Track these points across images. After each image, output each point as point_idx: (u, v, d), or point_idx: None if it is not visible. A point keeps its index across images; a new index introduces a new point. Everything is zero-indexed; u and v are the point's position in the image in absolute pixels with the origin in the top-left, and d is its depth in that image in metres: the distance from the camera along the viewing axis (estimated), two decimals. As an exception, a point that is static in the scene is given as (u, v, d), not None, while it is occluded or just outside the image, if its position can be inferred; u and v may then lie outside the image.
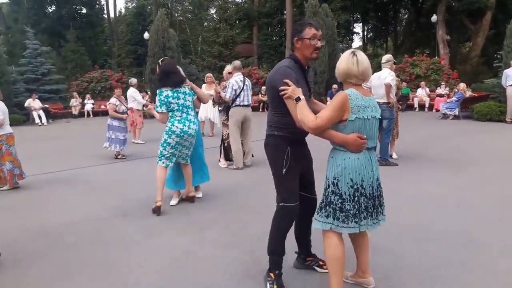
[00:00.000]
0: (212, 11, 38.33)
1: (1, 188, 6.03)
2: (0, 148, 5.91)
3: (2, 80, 17.29)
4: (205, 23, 36.31)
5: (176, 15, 40.81)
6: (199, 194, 5.27)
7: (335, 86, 16.88)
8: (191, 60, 27.81)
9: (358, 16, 34.50)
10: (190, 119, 4.65)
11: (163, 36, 18.30)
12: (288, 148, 2.73)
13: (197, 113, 5.30)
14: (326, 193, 2.57)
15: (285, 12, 28.60)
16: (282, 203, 2.79)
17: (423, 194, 5.11)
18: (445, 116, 13.80)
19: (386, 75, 6.71)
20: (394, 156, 7.27)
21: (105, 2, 38.14)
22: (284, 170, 2.73)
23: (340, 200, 2.50)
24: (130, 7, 44.88)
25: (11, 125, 6.25)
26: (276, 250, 2.87)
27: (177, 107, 4.59)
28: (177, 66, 4.87)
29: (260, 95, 20.98)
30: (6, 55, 21.45)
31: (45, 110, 18.10)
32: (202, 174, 5.21)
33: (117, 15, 43.23)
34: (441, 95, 16.51)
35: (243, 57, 28.53)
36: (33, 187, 6.26)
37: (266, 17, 31.40)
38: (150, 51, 18.59)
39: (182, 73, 4.80)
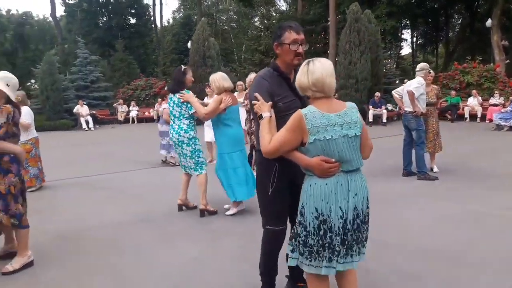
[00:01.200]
0: (256, 20, 38.65)
1: (29, 189, 6.17)
2: (30, 150, 6.12)
3: (53, 87, 18.21)
4: (249, 32, 36.61)
5: (220, 24, 41.58)
6: (231, 211, 4.86)
7: (377, 94, 16.26)
8: (232, 68, 28.06)
9: (407, 22, 33.32)
10: (175, 128, 4.70)
11: (203, 45, 18.54)
12: (276, 167, 2.44)
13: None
14: (296, 224, 2.25)
15: (328, 19, 28.20)
16: (267, 226, 2.57)
17: (461, 213, 4.65)
18: (498, 127, 12.84)
19: (413, 83, 6.33)
20: (435, 169, 6.77)
21: (152, 13, 39.50)
22: (269, 190, 2.47)
23: (304, 233, 2.15)
24: (177, 17, 46.30)
25: (60, 129, 6.57)
26: (266, 271, 2.68)
27: (171, 114, 4.77)
28: (185, 74, 4.72)
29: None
30: (60, 64, 22.66)
31: (92, 116, 18.84)
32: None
33: (165, 25, 44.72)
34: (495, 105, 15.43)
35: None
36: (64, 189, 6.42)
37: (309, 24, 31.09)
38: (191, 60, 18.92)
39: (184, 81, 4.69)
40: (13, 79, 3.32)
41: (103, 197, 5.89)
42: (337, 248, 2.08)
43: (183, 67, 4.83)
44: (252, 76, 7.29)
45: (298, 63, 2.37)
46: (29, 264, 3.42)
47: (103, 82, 22.55)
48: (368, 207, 2.21)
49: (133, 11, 37.30)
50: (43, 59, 18.89)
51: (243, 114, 9.81)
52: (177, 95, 4.66)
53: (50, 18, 38.59)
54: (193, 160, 4.71)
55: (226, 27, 41.68)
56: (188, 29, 33.07)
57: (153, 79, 24.27)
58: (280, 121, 2.30)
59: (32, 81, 35.41)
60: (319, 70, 2.11)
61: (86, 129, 18.07)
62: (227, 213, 4.79)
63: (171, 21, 49.93)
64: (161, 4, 58.08)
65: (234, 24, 42.17)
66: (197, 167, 4.73)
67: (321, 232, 2.09)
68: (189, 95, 4.59)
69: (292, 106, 2.37)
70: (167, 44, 32.85)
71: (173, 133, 4.72)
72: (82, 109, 18.50)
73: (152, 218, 4.76)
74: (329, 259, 2.09)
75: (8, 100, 3.29)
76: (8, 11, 51.92)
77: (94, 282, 3.17)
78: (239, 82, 10.59)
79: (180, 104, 4.66)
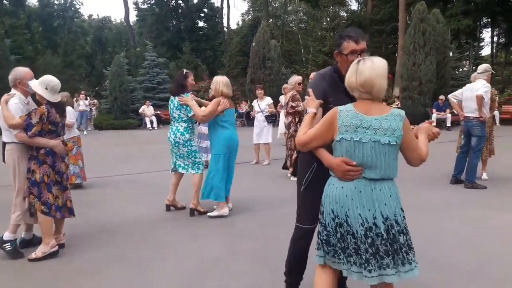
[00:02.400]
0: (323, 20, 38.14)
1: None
2: (72, 148, 6.45)
3: (121, 88, 19.46)
4: (316, 32, 36.26)
5: (289, 25, 41.59)
6: (215, 211, 4.89)
7: (441, 97, 15.26)
8: (295, 70, 27.90)
9: (488, 20, 30.84)
10: (173, 129, 4.88)
11: (263, 47, 18.68)
12: (314, 165, 2.40)
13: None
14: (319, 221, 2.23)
15: (398, 18, 27.03)
16: (297, 223, 2.55)
17: (505, 226, 4.23)
18: None
19: (480, 87, 5.83)
20: (484, 177, 6.38)
21: (220, 16, 40.58)
22: (303, 186, 2.45)
23: (325, 232, 2.14)
24: (246, 19, 47.12)
25: (126, 128, 6.99)
26: (289, 272, 2.64)
27: (171, 116, 4.94)
28: (186, 78, 4.91)
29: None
30: (131, 66, 24.12)
31: (156, 116, 19.81)
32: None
33: (233, 28, 45.75)
34: None
35: (351, 66, 27.69)
36: (114, 185, 6.85)
37: (379, 24, 30.04)
38: (250, 61, 19.21)
39: (185, 84, 4.85)
40: (51, 82, 3.63)
41: (146, 194, 6.18)
42: (363, 256, 2.00)
43: (185, 70, 5.02)
44: (296, 78, 7.19)
45: None
46: (53, 253, 3.66)
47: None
48: (404, 218, 2.07)
49: (201, 14, 38.67)
50: (112, 62, 20.23)
51: (282, 117, 9.78)
52: (177, 98, 4.81)
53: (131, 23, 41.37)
54: (190, 160, 4.89)
55: (294, 28, 41.62)
56: (256, 31, 33.61)
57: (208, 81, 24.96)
58: None
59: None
60: (368, 70, 2.00)
61: (150, 128, 19.04)
62: (210, 214, 4.84)
63: (240, 23, 51.02)
64: (228, 7, 59.63)
65: (303, 25, 42.00)
66: (194, 167, 4.92)
67: (338, 235, 2.07)
68: (187, 98, 4.74)
69: None
70: (233, 46, 33.54)
71: (171, 134, 4.89)
72: (147, 110, 19.52)
73: (183, 215, 4.96)
74: (354, 263, 2.03)
75: (49, 101, 3.64)
76: (90, 16, 56.43)
77: (110, 270, 3.36)
78: (285, 85, 10.53)
79: (179, 107, 4.82)
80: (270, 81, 19.09)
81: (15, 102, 3.66)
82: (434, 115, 15.14)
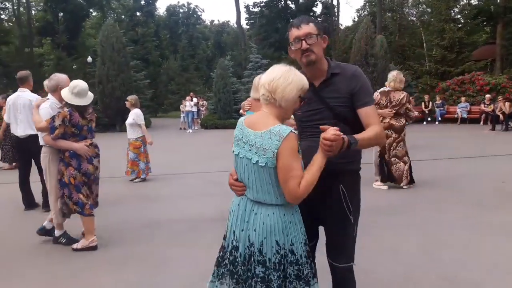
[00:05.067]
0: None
1: (135, 180, 7.33)
2: (140, 147, 7.24)
3: (224, 90, 20.38)
4: (434, 25, 33.03)
5: (409, 18, 38.68)
6: None
7: None
8: (409, 66, 25.82)
9: None
10: None
11: (366, 43, 17.68)
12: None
13: None
14: None
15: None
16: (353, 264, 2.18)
17: None
18: None
19: None
20: None
21: (332, 13, 39.68)
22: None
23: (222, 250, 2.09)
24: (362, 15, 45.25)
25: (228, 128, 7.44)
26: None
27: None
28: None
29: (482, 105, 17.81)
30: (237, 68, 25.07)
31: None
32: None
33: (348, 26, 44.32)
34: None
35: (477, 60, 24.59)
36: (181, 182, 7.17)
37: (513, 12, 25.99)
38: (351, 59, 18.36)
39: None
40: (76, 87, 3.83)
41: (204, 193, 6.30)
42: (221, 270, 1.97)
43: None
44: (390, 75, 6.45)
45: (308, 61, 2.02)
46: (92, 248, 3.93)
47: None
48: (277, 252, 1.81)
49: (311, 13, 38.31)
50: (218, 64, 21.25)
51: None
52: None
53: (244, 26, 43.21)
54: None
55: (415, 21, 38.55)
56: (373, 27, 31.98)
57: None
58: (302, 130, 2.16)
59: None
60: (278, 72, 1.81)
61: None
62: None
63: (356, 19, 49.19)
64: (338, 4, 57.92)
65: (426, 16, 38.66)
66: None
67: (221, 253, 2.03)
68: None
69: (317, 116, 2.04)
70: (340, 44, 32.51)
71: None
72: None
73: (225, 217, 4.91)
74: (217, 275, 1.99)
75: (73, 105, 3.87)
76: (212, 21, 60.33)
77: (131, 269, 3.46)
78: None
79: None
80: (373, 79, 17.97)
81: (45, 107, 3.99)
82: None
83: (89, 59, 25.68)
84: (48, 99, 4.11)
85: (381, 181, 6.27)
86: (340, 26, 40.99)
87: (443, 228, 4.37)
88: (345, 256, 2.10)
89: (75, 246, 3.96)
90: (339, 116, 2.02)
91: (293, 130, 1.73)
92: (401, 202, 5.45)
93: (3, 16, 36.28)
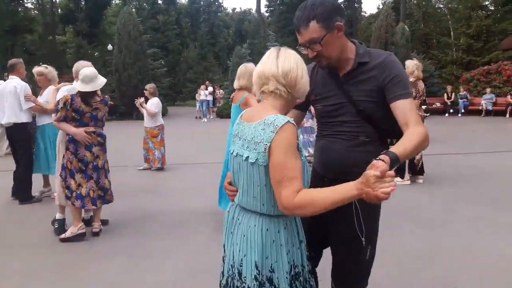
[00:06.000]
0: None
1: (151, 169, 7.35)
2: (157, 135, 7.25)
3: (241, 79, 20.12)
4: (459, 12, 31.82)
5: (436, 6, 37.35)
6: None
7: None
8: (432, 55, 24.98)
9: None
10: None
11: (386, 31, 17.13)
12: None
13: None
14: None
15: None
16: None
17: None
18: None
19: None
20: None
21: (354, 1, 38.71)
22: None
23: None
24: (386, 2, 44.01)
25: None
26: None
27: None
28: None
29: (509, 97, 17.10)
30: (252, 57, 24.77)
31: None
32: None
33: (372, 13, 43.23)
34: None
35: (505, 49, 23.53)
36: (192, 172, 7.09)
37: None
38: (371, 48, 17.81)
39: None
40: (82, 73, 3.79)
41: (212, 184, 6.08)
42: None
43: None
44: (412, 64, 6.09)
45: (321, 67, 1.78)
46: (80, 235, 3.93)
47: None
48: (255, 278, 1.45)
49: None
50: (233, 53, 21.04)
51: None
52: None
53: (265, 14, 42.67)
54: None
55: (442, 7, 37.20)
56: (397, 14, 31.00)
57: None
58: (321, 127, 1.87)
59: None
60: (293, 58, 1.50)
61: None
62: None
63: (381, 6, 47.91)
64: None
65: (454, 4, 37.27)
66: None
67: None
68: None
69: (338, 112, 1.76)
70: (361, 31, 31.69)
71: None
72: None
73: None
74: None
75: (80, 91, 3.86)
76: (233, 9, 59.96)
77: (123, 260, 3.39)
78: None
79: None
80: (393, 69, 17.44)
81: (63, 91, 4.21)
82: None
83: (110, 47, 25.82)
84: (67, 84, 4.32)
85: (402, 177, 6.00)
86: (363, 13, 40.04)
87: (449, 228, 4.13)
88: (353, 283, 1.82)
89: (62, 236, 3.93)
90: (362, 113, 1.69)
91: (291, 121, 1.38)
92: (407, 199, 5.19)
93: (28, 5, 36.97)
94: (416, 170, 6.02)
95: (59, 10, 36.63)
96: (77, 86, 3.88)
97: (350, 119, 1.70)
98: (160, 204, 5.20)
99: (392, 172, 1.28)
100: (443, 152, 8.45)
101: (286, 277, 1.46)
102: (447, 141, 10.14)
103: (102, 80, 3.92)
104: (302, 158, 1.42)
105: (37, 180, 5.52)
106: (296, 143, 1.38)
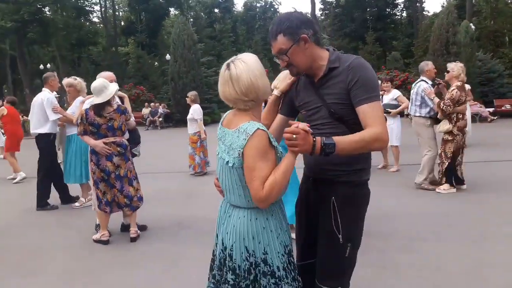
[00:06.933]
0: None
1: (194, 174, 7.47)
2: (197, 141, 7.39)
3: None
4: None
5: (509, 0, 34.68)
6: None
7: None
8: (502, 54, 23.15)
9: None
10: None
11: (447, 30, 16.06)
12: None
13: None
14: None
15: None
16: None
17: None
18: None
19: None
20: None
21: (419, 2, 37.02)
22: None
23: None
24: (451, 0, 41.70)
25: None
26: None
27: None
28: None
29: None
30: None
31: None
32: None
33: (438, 11, 41.16)
34: None
35: None
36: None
37: None
38: (430, 48, 16.85)
39: None
40: (93, 85, 3.86)
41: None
42: (210, 274, 1.91)
43: None
44: (458, 67, 5.64)
45: (292, 75, 1.91)
46: (103, 242, 4.05)
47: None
48: (246, 259, 1.68)
49: (389, 1, 36.10)
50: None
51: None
52: None
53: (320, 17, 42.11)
54: None
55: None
56: (462, 12, 29.18)
57: (396, 71, 22.85)
58: None
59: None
60: (245, 74, 1.62)
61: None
62: None
63: (445, 4, 45.45)
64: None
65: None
66: None
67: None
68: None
69: (316, 116, 1.86)
70: (422, 32, 30.16)
71: None
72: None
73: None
74: (209, 279, 1.91)
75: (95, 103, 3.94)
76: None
77: (146, 268, 3.38)
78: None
79: None
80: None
81: (87, 103, 4.32)
82: None
83: (168, 56, 26.81)
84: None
85: (449, 184, 5.50)
86: (426, 12, 38.15)
87: (490, 243, 3.66)
88: (330, 279, 1.85)
89: (94, 237, 4.16)
90: (334, 115, 1.78)
91: (261, 127, 1.59)
92: (447, 210, 4.71)
93: (95, 19, 39.57)
94: (457, 178, 5.52)
95: (122, 22, 38.77)
96: (94, 98, 3.95)
97: (325, 121, 1.80)
98: (197, 210, 5.16)
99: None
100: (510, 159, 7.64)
101: (279, 257, 1.69)
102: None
103: (112, 90, 3.91)
104: (278, 153, 1.64)
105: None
106: (266, 147, 1.57)
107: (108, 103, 3.93)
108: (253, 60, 1.66)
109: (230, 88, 1.63)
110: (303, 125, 1.53)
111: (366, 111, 1.68)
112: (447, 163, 5.46)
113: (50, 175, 5.57)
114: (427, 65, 6.02)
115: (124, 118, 4.05)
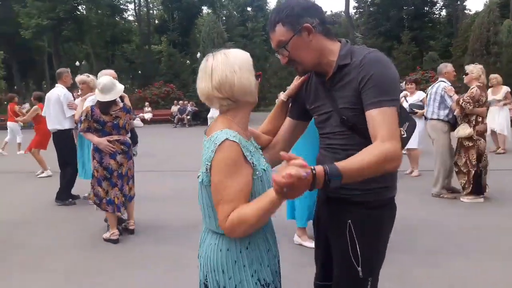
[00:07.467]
0: None
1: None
2: None
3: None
4: None
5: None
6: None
7: None
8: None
9: None
10: None
11: (488, 29, 15.27)
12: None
13: None
14: None
15: None
16: None
17: None
18: None
19: None
20: None
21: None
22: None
23: None
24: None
25: None
26: None
27: None
28: None
29: None
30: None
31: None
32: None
33: (480, 10, 39.51)
34: None
35: None
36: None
37: None
38: (470, 48, 16.14)
39: None
40: (100, 83, 3.82)
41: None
42: None
43: None
44: (477, 68, 5.30)
45: (299, 73, 1.64)
46: (113, 241, 3.96)
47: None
48: None
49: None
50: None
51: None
52: None
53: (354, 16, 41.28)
54: None
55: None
56: (505, 11, 27.74)
57: (431, 72, 21.95)
58: (320, 138, 1.70)
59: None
60: (222, 66, 1.35)
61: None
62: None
63: (488, 2, 43.62)
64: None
65: None
66: None
67: None
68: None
69: (326, 123, 1.59)
70: (462, 31, 28.90)
71: None
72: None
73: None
74: None
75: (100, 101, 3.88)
76: (324, 12, 59.16)
77: (153, 267, 3.31)
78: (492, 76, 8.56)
79: None
80: (495, 70, 15.46)
81: (89, 100, 4.33)
82: None
83: (199, 55, 27.01)
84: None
85: (475, 194, 5.11)
86: (468, 11, 36.63)
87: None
88: None
89: (103, 236, 4.10)
90: (345, 123, 1.49)
91: (230, 138, 1.26)
92: (473, 221, 4.34)
93: (130, 17, 40.44)
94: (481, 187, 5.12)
95: (156, 21, 39.44)
96: (97, 95, 3.86)
97: (336, 131, 1.53)
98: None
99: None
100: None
101: None
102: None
103: (120, 88, 3.87)
104: (257, 172, 1.31)
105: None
106: (236, 161, 1.26)
107: (114, 101, 3.89)
108: (237, 55, 1.37)
109: (205, 81, 1.36)
110: (296, 170, 1.05)
111: (374, 118, 1.36)
112: (473, 171, 5.05)
113: (74, 169, 5.54)
114: (446, 67, 5.72)
115: (129, 117, 4.03)
